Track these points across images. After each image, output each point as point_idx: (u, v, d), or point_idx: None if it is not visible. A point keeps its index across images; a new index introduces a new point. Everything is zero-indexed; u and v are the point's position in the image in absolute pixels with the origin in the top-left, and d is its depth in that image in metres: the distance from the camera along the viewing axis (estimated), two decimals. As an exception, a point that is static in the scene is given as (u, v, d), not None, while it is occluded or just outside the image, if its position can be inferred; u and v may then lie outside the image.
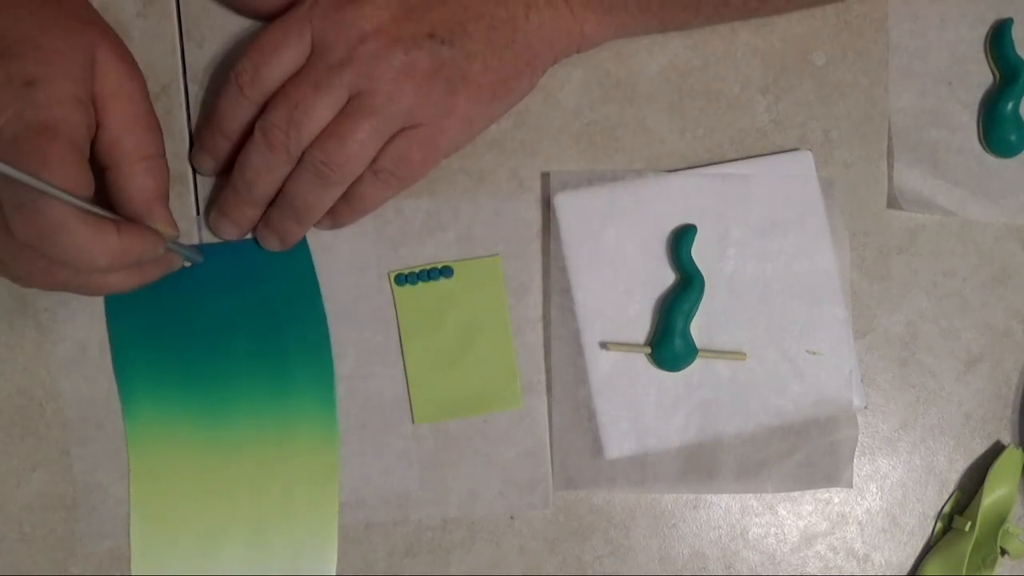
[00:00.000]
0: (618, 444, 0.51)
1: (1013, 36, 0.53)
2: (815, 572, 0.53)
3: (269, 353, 0.51)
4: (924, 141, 0.54)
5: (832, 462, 0.52)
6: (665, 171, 0.53)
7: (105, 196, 0.45)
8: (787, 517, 0.53)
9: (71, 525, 0.51)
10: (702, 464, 0.52)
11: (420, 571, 0.52)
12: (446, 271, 0.52)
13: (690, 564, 0.53)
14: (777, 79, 0.54)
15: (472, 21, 0.47)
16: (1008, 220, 0.54)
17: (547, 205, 0.52)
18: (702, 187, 0.52)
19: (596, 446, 0.52)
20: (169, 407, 0.51)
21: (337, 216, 0.50)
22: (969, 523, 0.52)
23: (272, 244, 0.50)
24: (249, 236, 0.51)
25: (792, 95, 0.54)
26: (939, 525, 0.54)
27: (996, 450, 0.54)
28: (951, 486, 0.54)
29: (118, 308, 0.51)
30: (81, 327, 0.51)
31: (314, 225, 0.50)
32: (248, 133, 0.47)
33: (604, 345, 0.51)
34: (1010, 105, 0.53)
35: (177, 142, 0.52)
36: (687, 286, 0.51)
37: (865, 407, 0.53)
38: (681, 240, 0.51)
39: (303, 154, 0.46)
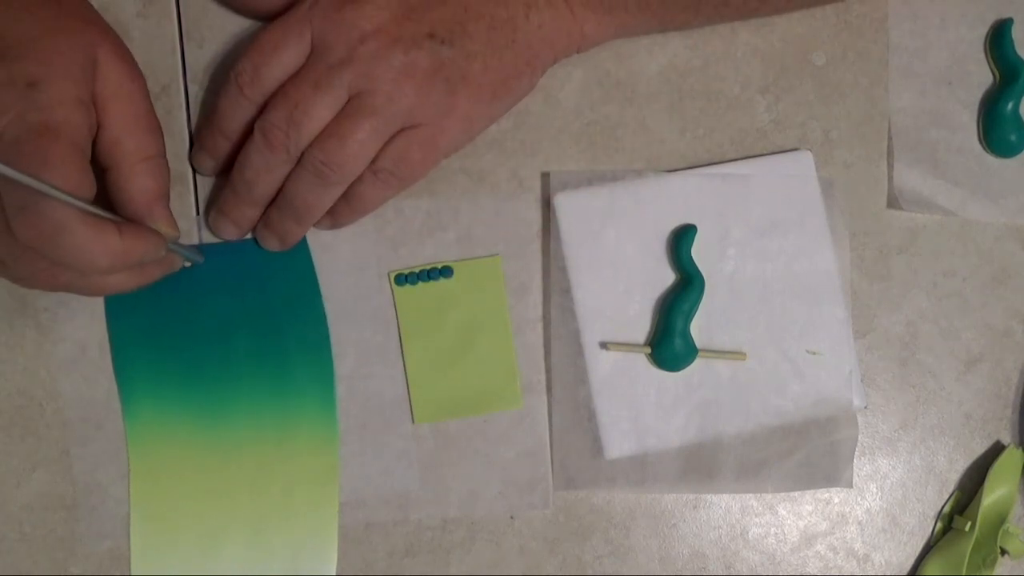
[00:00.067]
0: (618, 444, 0.51)
1: (1013, 36, 0.53)
2: (815, 572, 0.53)
3: (269, 353, 0.51)
4: (924, 141, 0.54)
5: (832, 462, 0.52)
6: (665, 171, 0.53)
7: (105, 197, 0.45)
8: (787, 517, 0.53)
9: (71, 525, 0.51)
10: (702, 464, 0.52)
11: (420, 571, 0.52)
12: (446, 271, 0.52)
13: (690, 564, 0.53)
14: (777, 79, 0.54)
15: (472, 21, 0.47)
16: (1008, 220, 0.54)
17: (547, 205, 0.52)
18: (702, 187, 0.52)
19: (596, 446, 0.52)
20: (169, 407, 0.51)
21: (337, 216, 0.50)
22: (969, 523, 0.52)
23: (272, 244, 0.50)
24: (249, 236, 0.51)
25: (792, 95, 0.54)
26: (939, 525, 0.54)
27: (996, 450, 0.54)
28: (951, 486, 0.54)
29: (118, 308, 0.51)
30: (81, 327, 0.51)
31: (314, 225, 0.50)
32: (248, 133, 0.47)
33: (604, 345, 0.51)
34: (1010, 105, 0.53)
35: (177, 142, 0.52)
36: (687, 286, 0.51)
37: (865, 407, 0.53)
38: (681, 240, 0.51)
39: (303, 154, 0.46)
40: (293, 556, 0.51)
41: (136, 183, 0.45)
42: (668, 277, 0.52)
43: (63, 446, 0.51)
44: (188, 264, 0.51)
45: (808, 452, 0.52)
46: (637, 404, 0.51)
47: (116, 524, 0.51)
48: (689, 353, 0.51)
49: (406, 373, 0.52)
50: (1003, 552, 0.53)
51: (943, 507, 0.54)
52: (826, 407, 0.52)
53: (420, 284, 0.52)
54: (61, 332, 0.51)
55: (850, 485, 0.53)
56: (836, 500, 0.54)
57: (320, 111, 0.45)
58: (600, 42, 0.51)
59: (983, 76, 0.54)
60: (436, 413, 0.52)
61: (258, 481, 0.51)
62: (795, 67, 0.54)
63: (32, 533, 0.51)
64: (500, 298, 0.52)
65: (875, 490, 0.54)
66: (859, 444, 0.53)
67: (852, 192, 0.54)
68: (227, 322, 0.51)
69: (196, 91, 0.52)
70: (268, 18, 0.49)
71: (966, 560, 0.52)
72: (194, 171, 0.52)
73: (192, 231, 0.52)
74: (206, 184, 0.52)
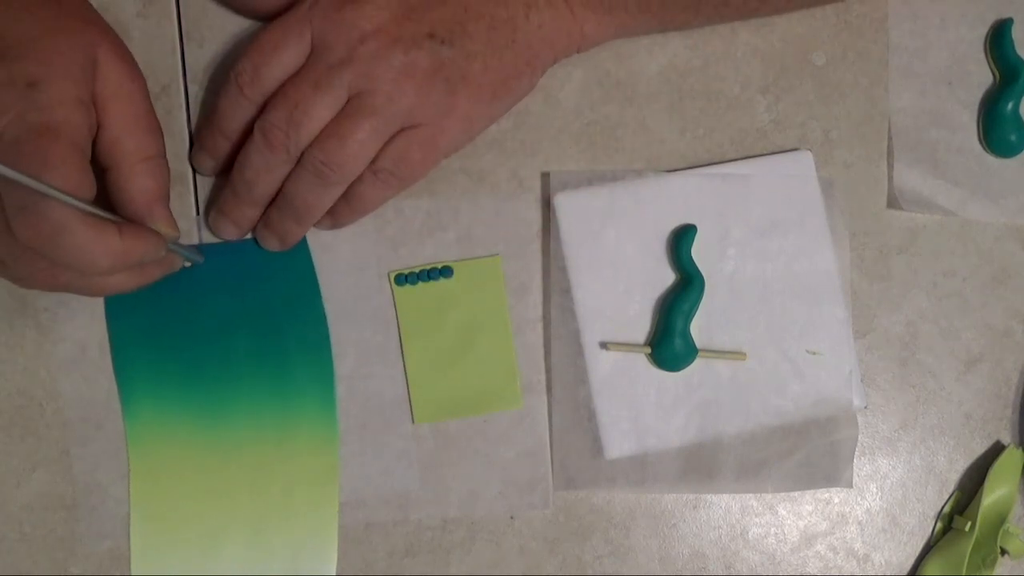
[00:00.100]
0: (618, 444, 0.51)
1: (1013, 36, 0.53)
2: (815, 572, 0.53)
3: (269, 353, 0.51)
4: (924, 141, 0.54)
5: (832, 462, 0.52)
6: (665, 171, 0.53)
7: (105, 197, 0.45)
8: (787, 517, 0.53)
9: (71, 525, 0.51)
10: (702, 464, 0.52)
11: (420, 571, 0.52)
12: (446, 271, 0.52)
13: (690, 564, 0.53)
14: (777, 79, 0.54)
15: (472, 21, 0.47)
16: (1008, 220, 0.54)
17: (547, 205, 0.52)
18: (702, 187, 0.52)
19: (596, 446, 0.52)
20: (169, 407, 0.51)
21: (337, 216, 0.50)
22: (969, 523, 0.52)
23: (272, 244, 0.50)
24: (249, 236, 0.51)
25: (792, 95, 0.54)
26: (939, 525, 0.54)
27: (996, 450, 0.54)
28: (951, 486, 0.54)
29: (118, 308, 0.51)
30: (81, 327, 0.51)
31: (314, 225, 0.50)
32: (248, 133, 0.47)
33: (604, 345, 0.51)
34: (1010, 105, 0.53)
35: (177, 142, 0.52)
36: (687, 286, 0.51)
37: (865, 407, 0.53)
38: (681, 240, 0.51)
39: (303, 154, 0.46)
40: (293, 556, 0.51)
41: (136, 183, 0.45)
42: (668, 277, 0.52)
43: (63, 446, 0.51)
44: (188, 264, 0.51)
45: (808, 452, 0.52)
46: (637, 404, 0.51)
47: (116, 524, 0.51)
48: (689, 353, 0.51)
49: (406, 373, 0.52)
50: (1003, 552, 0.53)
51: (943, 507, 0.54)
52: (826, 407, 0.52)
53: (420, 284, 0.52)
54: (61, 332, 0.51)
55: (850, 485, 0.53)
56: (836, 500, 0.54)
57: (320, 111, 0.45)
58: (600, 42, 0.51)
59: (983, 76, 0.54)
60: (436, 413, 0.52)
61: (258, 481, 0.51)
62: (795, 67, 0.54)
63: (32, 533, 0.51)
64: (500, 298, 0.52)
65: (875, 490, 0.54)
66: (859, 444, 0.53)
67: (852, 192, 0.54)
68: (227, 322, 0.51)
69: (196, 91, 0.52)
70: (268, 18, 0.49)
71: (966, 560, 0.52)
72: (194, 171, 0.52)
73: (192, 231, 0.52)
74: (206, 184, 0.52)
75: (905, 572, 0.54)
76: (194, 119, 0.52)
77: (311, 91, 0.45)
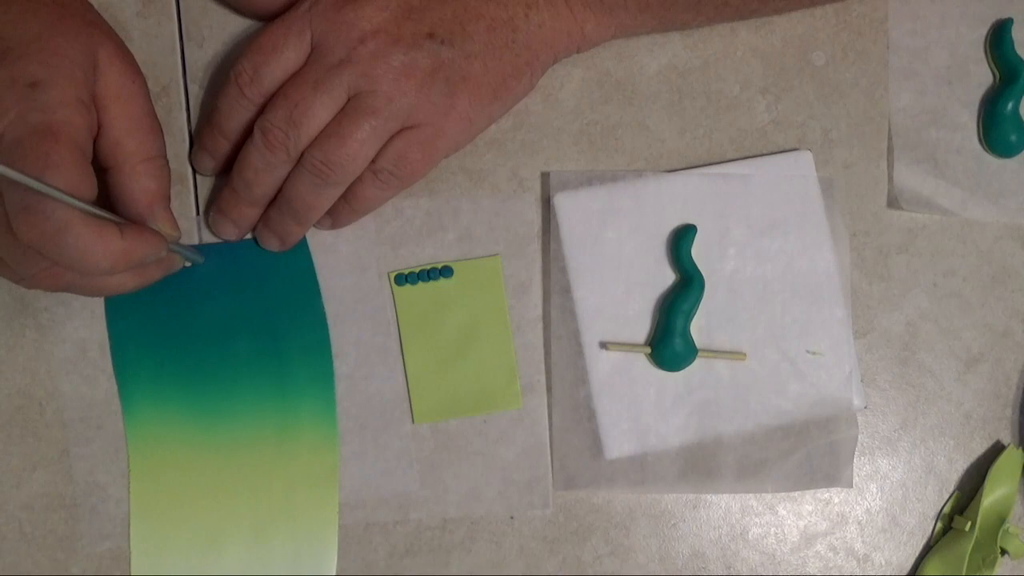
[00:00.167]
0: (618, 444, 0.51)
1: (1013, 36, 0.53)
2: (815, 572, 0.53)
3: (269, 353, 0.51)
4: (924, 141, 0.54)
5: (832, 462, 0.52)
6: (665, 171, 0.53)
7: (105, 197, 0.45)
8: (787, 517, 0.53)
9: (71, 525, 0.51)
10: (702, 464, 0.52)
11: (420, 571, 0.52)
12: (446, 271, 0.52)
13: (690, 564, 0.53)
14: (777, 79, 0.54)
15: (472, 21, 0.47)
16: (1008, 220, 0.54)
17: (547, 205, 0.52)
18: (702, 187, 0.52)
19: (596, 446, 0.52)
20: (169, 407, 0.51)
21: (337, 216, 0.50)
22: (969, 523, 0.52)
23: (272, 244, 0.51)
24: (249, 236, 0.51)
25: (792, 95, 0.54)
26: (939, 525, 0.54)
27: (996, 450, 0.54)
28: (951, 486, 0.54)
29: (118, 308, 0.51)
30: (81, 327, 0.51)
31: (314, 225, 0.50)
32: (248, 133, 0.47)
33: (604, 345, 0.51)
34: (1010, 105, 0.53)
35: (177, 142, 0.52)
36: (687, 286, 0.51)
37: (865, 407, 0.53)
38: (681, 240, 0.51)
39: (303, 154, 0.46)
40: (293, 556, 0.51)
41: (137, 184, 0.45)
42: (668, 277, 0.52)
43: (63, 446, 0.51)
44: (188, 264, 0.51)
45: (808, 452, 0.52)
46: (637, 404, 0.51)
47: (116, 524, 0.51)
48: (689, 353, 0.51)
49: (406, 373, 0.52)
50: (1003, 552, 0.53)
51: (943, 507, 0.54)
52: (826, 407, 0.52)
53: (420, 284, 0.52)
54: (61, 332, 0.51)
55: (850, 485, 0.53)
56: (836, 500, 0.54)
57: (320, 111, 0.45)
58: (600, 42, 0.51)
59: (983, 76, 0.54)
60: (436, 413, 0.52)
61: (258, 481, 0.51)
62: (795, 67, 0.54)
63: (32, 533, 0.51)
64: (500, 298, 0.52)
65: (875, 490, 0.54)
66: (859, 444, 0.53)
67: (852, 192, 0.54)
68: (227, 322, 0.51)
69: (196, 91, 0.52)
70: (268, 18, 0.49)
71: (966, 560, 0.52)
72: (194, 171, 0.52)
73: (192, 231, 0.52)
74: (206, 184, 0.52)
75: (905, 572, 0.54)
76: (194, 119, 0.52)
77: (311, 91, 0.45)
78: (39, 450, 0.51)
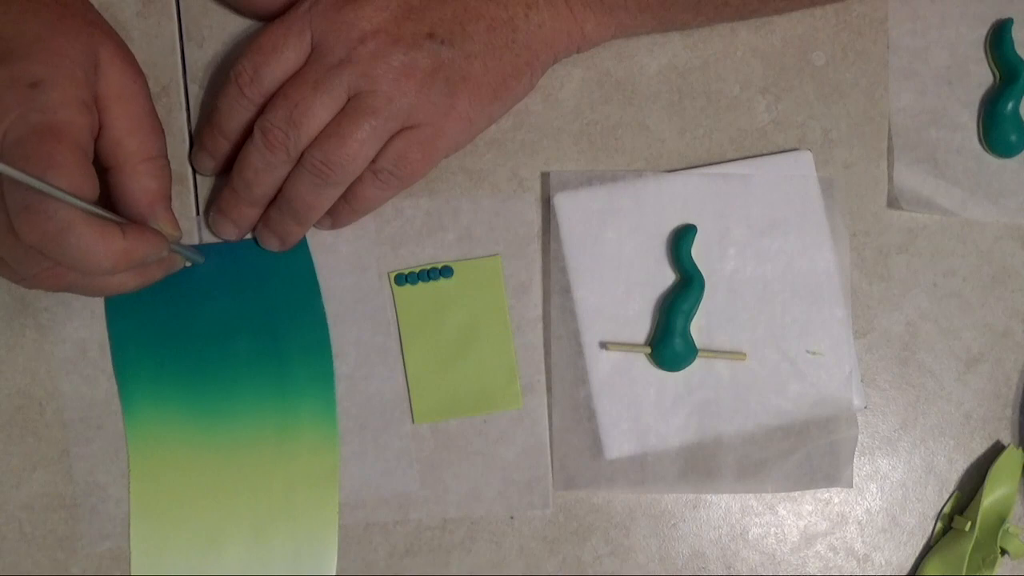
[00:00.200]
0: (618, 444, 0.51)
1: (1013, 36, 0.53)
2: (815, 572, 0.53)
3: (269, 353, 0.51)
4: (924, 141, 0.54)
5: (832, 462, 0.52)
6: (665, 171, 0.53)
7: (105, 197, 0.45)
8: (787, 517, 0.53)
9: (71, 525, 0.51)
10: (702, 464, 0.52)
11: (420, 571, 0.52)
12: (446, 271, 0.52)
13: (690, 564, 0.53)
14: (777, 79, 0.54)
15: (472, 21, 0.47)
16: (1008, 220, 0.54)
17: (547, 205, 0.52)
18: (702, 187, 0.52)
19: (596, 446, 0.52)
20: (169, 407, 0.51)
21: (337, 216, 0.50)
22: (969, 523, 0.52)
23: (272, 244, 0.51)
24: (249, 236, 0.51)
25: (792, 95, 0.54)
26: (939, 525, 0.54)
27: (996, 450, 0.54)
28: (951, 486, 0.54)
29: (118, 308, 0.51)
30: (81, 327, 0.51)
31: (314, 225, 0.50)
32: (248, 133, 0.47)
33: (604, 345, 0.51)
34: (1010, 105, 0.53)
35: (177, 142, 0.52)
36: (687, 286, 0.51)
37: (865, 407, 0.53)
38: (681, 240, 0.51)
39: (303, 154, 0.46)
40: (293, 556, 0.51)
41: (138, 184, 0.45)
42: (668, 277, 0.52)
43: (63, 446, 0.51)
44: (188, 264, 0.51)
45: (808, 452, 0.52)
46: (637, 404, 0.51)
47: (116, 524, 0.51)
48: (689, 353, 0.51)
49: (406, 373, 0.52)
50: (1003, 552, 0.53)
51: (943, 507, 0.54)
52: (826, 407, 0.52)
53: (420, 284, 0.52)
54: (61, 332, 0.51)
55: (850, 485, 0.53)
56: (836, 500, 0.54)
57: (320, 111, 0.45)
58: (600, 42, 0.51)
59: (983, 76, 0.54)
60: (436, 413, 0.52)
61: (258, 481, 0.51)
62: (795, 67, 0.54)
63: (32, 533, 0.51)
64: (500, 298, 0.52)
65: (875, 490, 0.54)
66: (859, 444, 0.53)
67: (852, 192, 0.54)
68: (227, 322, 0.51)
69: (196, 91, 0.52)
70: (268, 18, 0.49)
71: (966, 560, 0.52)
72: (194, 171, 0.52)
73: (192, 231, 0.52)
74: (206, 184, 0.52)
75: (905, 572, 0.54)
76: (194, 119, 0.52)
77: (311, 91, 0.45)
78: (39, 450, 0.51)
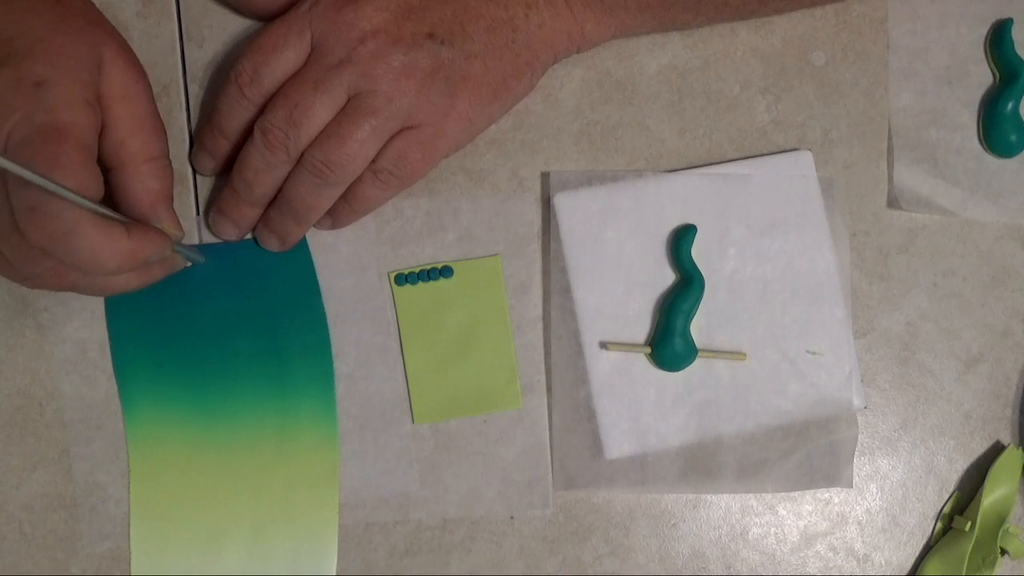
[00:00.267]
0: (618, 444, 0.51)
1: (1013, 36, 0.53)
2: (815, 572, 0.53)
3: (269, 353, 0.51)
4: (924, 141, 0.54)
5: (832, 462, 0.52)
6: (665, 171, 0.53)
7: (108, 197, 0.45)
8: (787, 517, 0.53)
9: (71, 525, 0.51)
10: (702, 464, 0.52)
11: (420, 571, 0.52)
12: (446, 271, 0.52)
13: (690, 564, 0.53)
14: (777, 79, 0.54)
15: (472, 21, 0.47)
16: (1008, 220, 0.54)
17: (547, 205, 0.52)
18: (702, 187, 0.52)
19: (596, 446, 0.52)
20: (169, 407, 0.51)
21: (337, 216, 0.50)
22: (969, 523, 0.52)
23: (272, 244, 0.51)
24: (249, 236, 0.51)
25: (792, 95, 0.54)
26: (939, 525, 0.54)
27: (996, 450, 0.54)
28: (951, 486, 0.54)
29: (118, 308, 0.51)
30: (81, 327, 0.51)
31: (314, 225, 0.50)
32: (248, 133, 0.47)
33: (604, 345, 0.51)
34: (1010, 105, 0.53)
35: (177, 142, 0.52)
36: (687, 286, 0.51)
37: (865, 407, 0.53)
38: (681, 240, 0.51)
39: (303, 154, 0.46)
40: (293, 556, 0.51)
41: (141, 184, 0.45)
42: (668, 277, 0.52)
43: (63, 446, 0.51)
44: (189, 264, 0.51)
45: (808, 452, 0.52)
46: (637, 404, 0.51)
47: (116, 524, 0.51)
48: (689, 353, 0.51)
49: (406, 373, 0.52)
50: (1003, 552, 0.53)
51: (943, 507, 0.54)
52: (826, 407, 0.52)
53: (420, 284, 0.52)
54: (61, 332, 0.51)
55: (850, 485, 0.53)
56: (836, 500, 0.54)
57: (320, 111, 0.45)
58: (600, 42, 0.51)
59: (983, 76, 0.54)
60: (436, 413, 0.52)
61: (258, 481, 0.51)
62: (795, 67, 0.54)
63: (32, 533, 0.51)
64: (500, 298, 0.52)
65: (875, 490, 0.54)
66: (859, 444, 0.53)
67: (852, 192, 0.54)
68: (227, 322, 0.51)
69: (196, 91, 0.52)
70: (268, 18, 0.49)
71: (966, 560, 0.52)
72: (194, 171, 0.52)
73: (192, 231, 0.52)
74: (206, 184, 0.52)
75: (905, 572, 0.54)
76: (194, 119, 0.52)
77: (311, 91, 0.45)
78: (39, 450, 0.51)
